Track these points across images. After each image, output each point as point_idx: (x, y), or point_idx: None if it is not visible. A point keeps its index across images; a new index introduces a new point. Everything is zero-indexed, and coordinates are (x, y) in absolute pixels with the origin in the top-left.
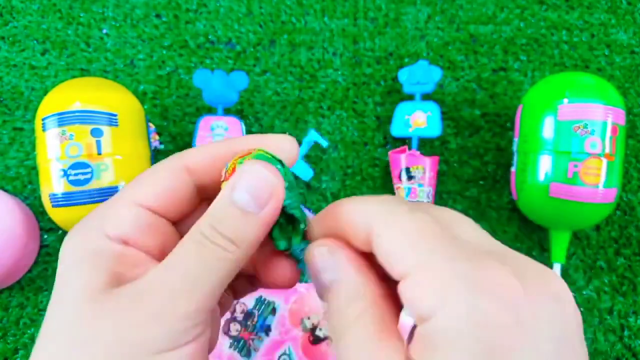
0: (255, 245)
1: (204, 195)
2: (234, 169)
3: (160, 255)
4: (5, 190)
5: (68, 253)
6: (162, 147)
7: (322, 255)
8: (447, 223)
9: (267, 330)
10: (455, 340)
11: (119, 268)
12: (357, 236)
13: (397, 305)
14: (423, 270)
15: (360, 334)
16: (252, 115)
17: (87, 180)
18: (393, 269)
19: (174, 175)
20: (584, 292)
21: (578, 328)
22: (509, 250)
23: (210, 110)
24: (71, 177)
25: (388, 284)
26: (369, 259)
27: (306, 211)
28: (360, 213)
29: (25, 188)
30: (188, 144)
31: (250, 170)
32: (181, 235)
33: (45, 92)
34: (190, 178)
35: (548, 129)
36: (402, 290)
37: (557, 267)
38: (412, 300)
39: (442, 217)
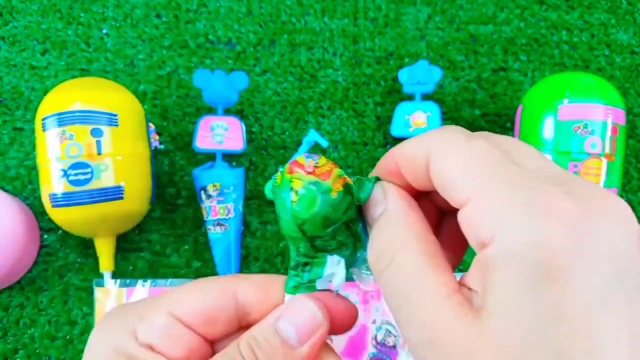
0: None
1: (246, 322)
2: (330, 171)
3: None
4: (5, 190)
5: (94, 346)
6: (162, 147)
7: (374, 191)
8: (507, 149)
9: None
10: (513, 263)
11: None
12: (415, 169)
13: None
14: (482, 195)
15: (410, 259)
16: (252, 115)
17: (87, 180)
18: (451, 197)
19: (221, 298)
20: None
21: None
22: (571, 174)
23: (210, 110)
24: (71, 177)
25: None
26: (422, 199)
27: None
28: (417, 145)
29: (25, 188)
30: (188, 144)
31: (300, 304)
32: (211, 349)
33: (45, 92)
34: (236, 305)
35: (548, 129)
36: (462, 216)
37: None
38: (471, 225)
39: (502, 143)
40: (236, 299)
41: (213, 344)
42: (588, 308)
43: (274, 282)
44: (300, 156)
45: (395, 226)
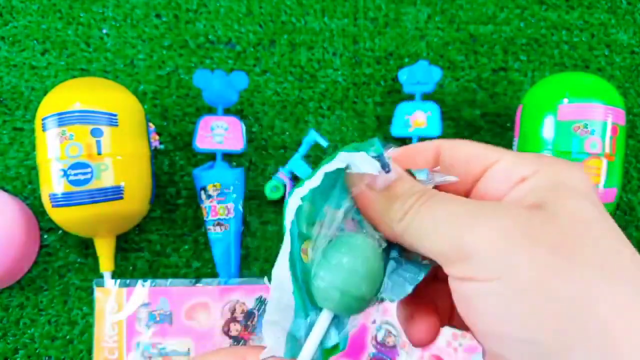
0: None
1: None
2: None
3: None
4: (5, 190)
5: None
6: (162, 147)
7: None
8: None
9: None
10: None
11: None
12: (425, 152)
13: None
14: (509, 156)
15: (443, 200)
16: (252, 115)
17: (87, 180)
18: (468, 170)
19: None
20: None
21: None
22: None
23: (210, 110)
24: (71, 177)
25: None
26: None
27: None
28: (481, 149)
29: (25, 188)
30: (188, 144)
31: None
32: None
33: (45, 92)
34: None
35: (548, 129)
36: (498, 169)
37: None
38: (512, 171)
39: None
40: None
41: None
42: None
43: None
44: None
45: (410, 185)
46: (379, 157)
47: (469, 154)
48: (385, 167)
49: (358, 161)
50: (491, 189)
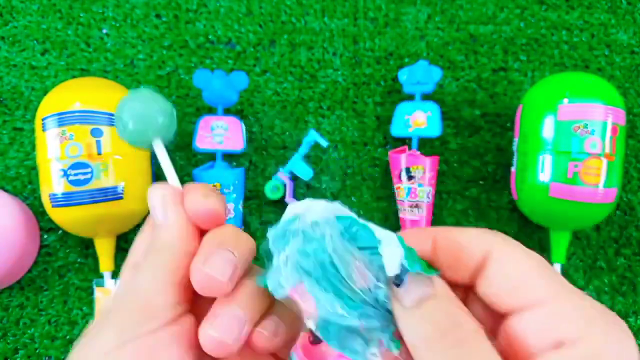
0: (181, 252)
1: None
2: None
3: None
4: (5, 190)
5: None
6: None
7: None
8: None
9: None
10: None
11: None
12: (463, 260)
13: None
14: (563, 298)
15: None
16: (252, 115)
17: (87, 180)
18: (515, 298)
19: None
20: (584, 292)
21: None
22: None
23: (210, 110)
24: (71, 177)
25: None
26: None
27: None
28: (474, 237)
29: (25, 188)
30: (188, 144)
31: (150, 192)
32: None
33: (45, 92)
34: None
35: (548, 129)
36: (530, 319)
37: (557, 267)
38: (548, 327)
39: None
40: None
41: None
42: None
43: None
44: None
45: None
46: (402, 270)
47: (516, 280)
48: (400, 279)
49: (386, 242)
50: (522, 339)
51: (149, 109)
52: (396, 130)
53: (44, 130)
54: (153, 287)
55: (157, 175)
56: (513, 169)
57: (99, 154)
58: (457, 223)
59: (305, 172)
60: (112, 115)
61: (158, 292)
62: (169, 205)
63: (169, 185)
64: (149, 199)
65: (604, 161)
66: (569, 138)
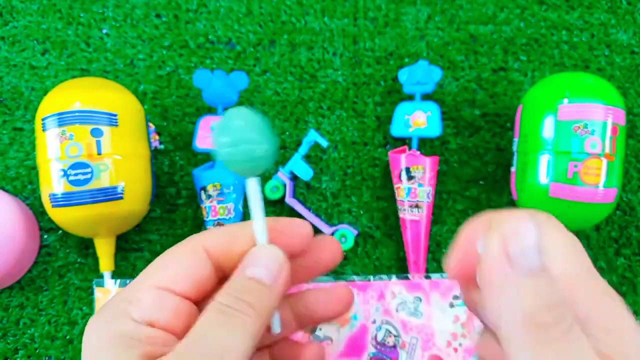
0: (271, 313)
1: (222, 275)
2: None
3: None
4: (5, 190)
5: (93, 338)
6: (162, 147)
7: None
8: None
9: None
10: None
11: (149, 348)
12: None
13: None
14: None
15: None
16: None
17: (87, 180)
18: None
19: (193, 257)
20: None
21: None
22: None
23: (210, 110)
24: (71, 177)
25: None
26: None
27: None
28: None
29: (25, 188)
30: (188, 144)
31: (262, 250)
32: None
33: (45, 92)
34: (209, 259)
35: (548, 129)
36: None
37: None
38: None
39: None
40: (208, 255)
41: (199, 305)
42: None
43: (237, 228)
44: None
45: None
46: None
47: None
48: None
49: None
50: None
51: (270, 151)
52: (396, 130)
53: (44, 130)
54: (236, 345)
55: (157, 176)
56: (513, 169)
57: (99, 154)
58: (457, 223)
59: (305, 172)
60: (112, 115)
61: (237, 350)
62: (283, 273)
63: (280, 250)
64: (260, 254)
65: (604, 161)
66: (569, 138)
